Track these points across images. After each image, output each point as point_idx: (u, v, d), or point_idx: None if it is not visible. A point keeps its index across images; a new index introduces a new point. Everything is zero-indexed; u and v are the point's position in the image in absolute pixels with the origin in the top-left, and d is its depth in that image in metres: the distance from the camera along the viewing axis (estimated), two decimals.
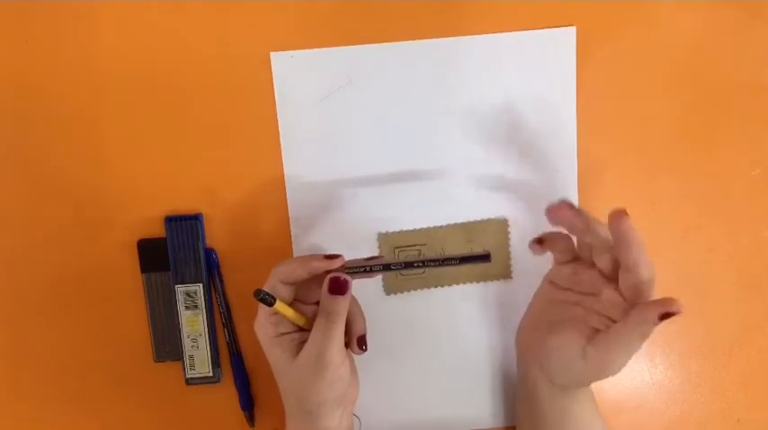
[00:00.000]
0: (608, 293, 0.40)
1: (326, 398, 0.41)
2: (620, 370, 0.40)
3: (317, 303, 0.42)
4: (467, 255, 0.42)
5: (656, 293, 0.52)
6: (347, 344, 0.44)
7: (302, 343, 0.42)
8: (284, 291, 0.42)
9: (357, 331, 0.44)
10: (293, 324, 0.43)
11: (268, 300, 0.40)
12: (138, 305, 0.50)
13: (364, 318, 0.45)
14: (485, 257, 0.41)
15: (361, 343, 0.44)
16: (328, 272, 0.42)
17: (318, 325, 0.41)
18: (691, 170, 0.50)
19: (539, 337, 0.44)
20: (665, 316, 0.36)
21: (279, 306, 0.41)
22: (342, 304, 0.41)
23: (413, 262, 0.42)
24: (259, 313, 0.43)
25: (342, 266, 0.42)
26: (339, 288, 0.41)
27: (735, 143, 0.50)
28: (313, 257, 0.42)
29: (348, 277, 0.41)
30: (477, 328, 0.51)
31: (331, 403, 0.42)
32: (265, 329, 0.42)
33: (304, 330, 0.43)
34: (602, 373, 0.40)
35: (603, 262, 0.40)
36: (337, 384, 0.41)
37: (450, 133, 0.49)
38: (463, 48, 0.48)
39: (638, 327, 0.37)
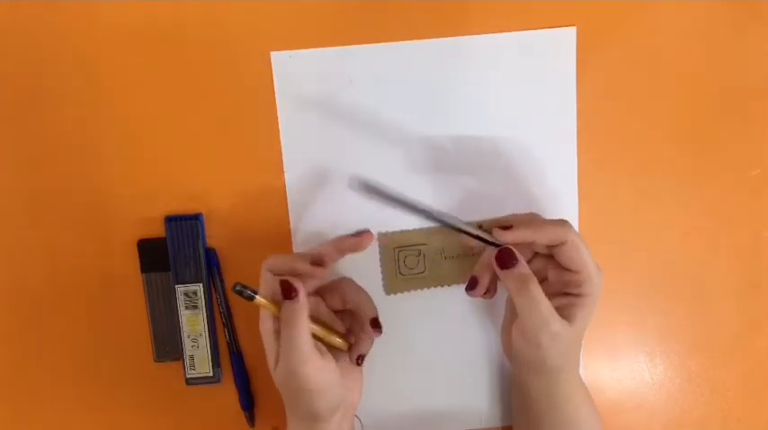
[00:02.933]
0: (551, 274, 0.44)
1: (318, 407, 0.41)
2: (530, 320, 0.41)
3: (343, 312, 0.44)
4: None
5: (657, 294, 0.52)
6: (352, 348, 0.44)
7: None
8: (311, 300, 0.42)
9: (369, 315, 0.44)
10: None
11: (246, 293, 0.38)
12: (138, 305, 0.50)
13: (373, 302, 0.45)
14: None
15: (375, 324, 0.44)
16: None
17: (282, 336, 0.39)
18: (691, 170, 0.50)
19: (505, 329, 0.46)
20: (500, 258, 0.41)
21: (259, 300, 0.40)
22: (292, 308, 0.39)
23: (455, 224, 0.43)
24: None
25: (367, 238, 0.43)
26: (286, 292, 0.40)
27: (735, 143, 0.50)
28: (342, 238, 0.43)
29: (296, 281, 0.40)
30: (476, 328, 0.51)
31: (326, 411, 0.41)
32: (266, 324, 0.41)
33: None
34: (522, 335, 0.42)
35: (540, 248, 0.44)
36: (325, 396, 0.40)
37: (450, 133, 0.49)
38: (463, 48, 0.48)
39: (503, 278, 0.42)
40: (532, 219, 0.44)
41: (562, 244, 0.41)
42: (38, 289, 0.50)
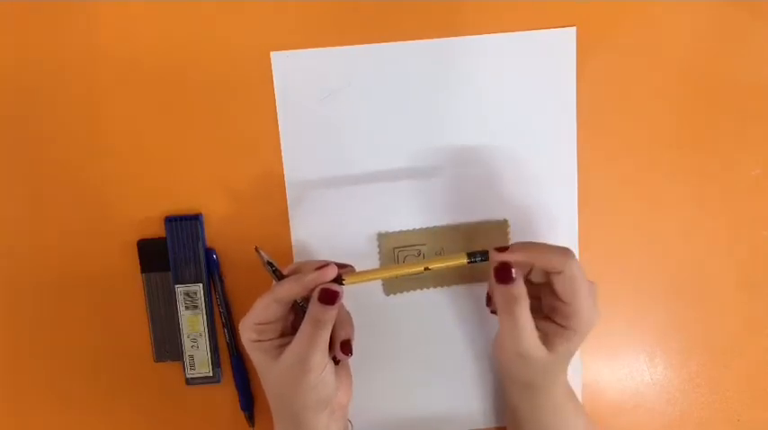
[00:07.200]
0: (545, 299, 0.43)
1: (308, 402, 0.41)
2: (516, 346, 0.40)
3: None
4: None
5: (657, 294, 0.52)
6: (331, 348, 0.43)
7: (283, 347, 0.41)
8: (279, 310, 0.42)
9: (342, 335, 0.43)
10: (275, 332, 0.43)
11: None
12: (138, 305, 0.50)
13: (352, 323, 0.45)
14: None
15: (345, 347, 0.43)
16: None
17: (304, 330, 0.40)
18: (691, 170, 0.50)
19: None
20: (497, 272, 0.40)
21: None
22: (330, 313, 0.40)
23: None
24: (248, 316, 0.42)
25: (338, 275, 0.42)
26: (329, 298, 0.40)
27: (735, 143, 0.50)
28: (305, 274, 0.41)
29: (339, 288, 0.41)
30: (475, 329, 0.51)
31: (314, 407, 0.42)
32: (249, 334, 0.42)
33: (285, 336, 0.43)
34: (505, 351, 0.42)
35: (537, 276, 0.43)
36: (319, 388, 0.41)
37: (450, 133, 0.49)
38: (463, 48, 0.48)
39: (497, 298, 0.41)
40: (534, 244, 0.42)
41: (559, 273, 0.40)
42: (38, 289, 0.50)
